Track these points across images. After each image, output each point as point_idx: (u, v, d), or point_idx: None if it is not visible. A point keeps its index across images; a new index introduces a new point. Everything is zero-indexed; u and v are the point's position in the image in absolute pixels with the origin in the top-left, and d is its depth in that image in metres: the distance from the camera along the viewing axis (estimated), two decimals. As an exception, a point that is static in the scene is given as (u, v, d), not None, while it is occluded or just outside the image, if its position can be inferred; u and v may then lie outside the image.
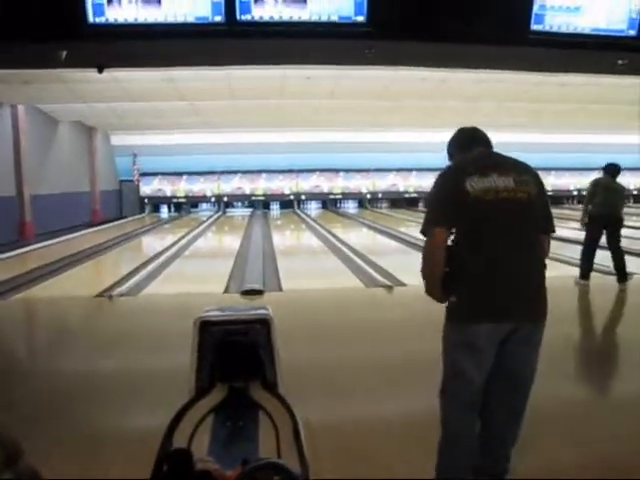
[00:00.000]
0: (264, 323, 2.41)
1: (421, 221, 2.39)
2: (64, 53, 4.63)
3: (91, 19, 4.08)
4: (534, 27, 4.41)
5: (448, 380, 2.38)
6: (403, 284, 7.29)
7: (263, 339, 2.39)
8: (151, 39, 4.24)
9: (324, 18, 4.24)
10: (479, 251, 2.27)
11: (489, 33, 4.48)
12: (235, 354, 2.33)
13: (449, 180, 2.35)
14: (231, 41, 4.51)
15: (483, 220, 2.27)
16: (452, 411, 2.38)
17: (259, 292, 6.77)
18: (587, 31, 4.53)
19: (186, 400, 2.30)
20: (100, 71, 5.42)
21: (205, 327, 2.39)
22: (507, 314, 2.25)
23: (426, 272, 2.34)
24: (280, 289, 7.37)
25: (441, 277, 2.30)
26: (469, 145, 2.49)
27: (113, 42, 4.35)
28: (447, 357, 2.37)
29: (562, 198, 22.47)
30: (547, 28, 4.43)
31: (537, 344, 2.32)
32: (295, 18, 4.18)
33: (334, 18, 4.26)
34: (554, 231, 2.43)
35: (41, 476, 1.20)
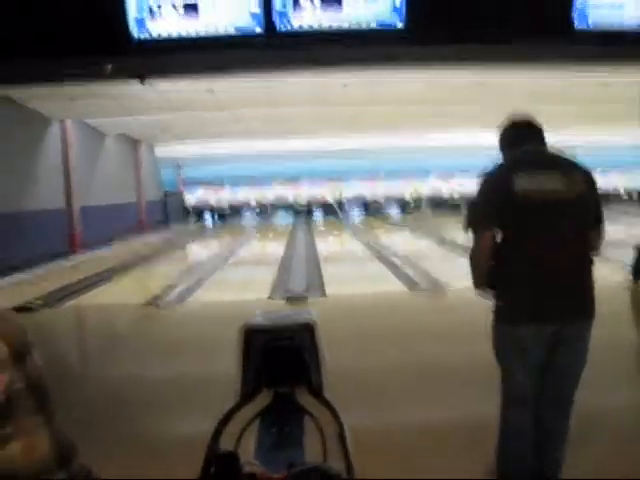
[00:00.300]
0: (309, 328, 2.42)
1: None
2: (109, 67, 4.77)
3: (135, 35, 4.19)
4: (578, 26, 4.34)
5: (502, 380, 2.41)
6: (447, 289, 7.22)
7: (308, 343, 2.40)
8: (191, 51, 4.33)
9: (364, 26, 4.25)
10: (523, 251, 2.29)
11: (530, 31, 4.42)
12: (280, 359, 2.36)
13: (497, 180, 2.34)
14: (268, 52, 4.56)
15: (529, 221, 2.27)
16: (505, 409, 2.41)
17: (303, 298, 6.79)
18: (634, 27, 4.43)
19: (232, 405, 2.34)
20: (142, 81, 5.56)
21: (251, 334, 2.42)
22: (551, 315, 2.27)
23: (473, 267, 2.40)
24: (324, 294, 7.37)
25: (488, 271, 2.35)
26: (521, 141, 2.41)
27: (156, 56, 4.47)
28: (497, 358, 2.41)
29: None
30: (591, 27, 4.35)
31: (584, 342, 2.33)
32: (334, 26, 4.21)
33: (373, 25, 4.28)
34: (603, 221, 2.39)
35: (95, 475, 1.24)
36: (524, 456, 2.38)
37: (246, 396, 2.37)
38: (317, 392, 2.35)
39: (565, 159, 2.38)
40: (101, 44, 4.43)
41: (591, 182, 2.36)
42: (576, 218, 2.29)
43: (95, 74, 5.17)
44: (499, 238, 2.34)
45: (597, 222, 2.38)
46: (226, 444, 2.11)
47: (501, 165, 2.42)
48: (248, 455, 2.07)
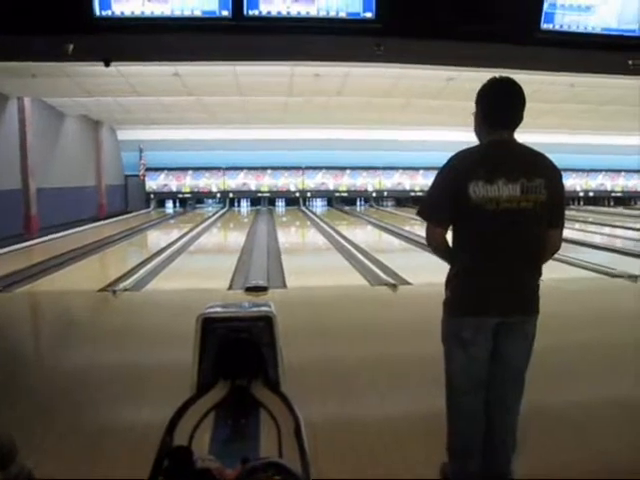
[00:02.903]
0: (267, 320, 2.39)
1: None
2: (70, 46, 4.61)
3: (97, 12, 4.06)
4: (544, 26, 4.37)
5: (446, 368, 2.47)
6: (408, 283, 7.27)
7: (266, 336, 2.37)
8: (157, 33, 4.22)
9: (332, 14, 4.21)
10: (469, 250, 2.34)
11: (498, 32, 4.45)
12: (237, 351, 2.32)
13: (454, 180, 2.29)
14: (238, 37, 4.49)
15: (478, 225, 2.29)
16: (452, 400, 2.46)
17: (263, 289, 6.75)
18: (598, 30, 4.50)
19: (188, 397, 2.29)
20: (107, 65, 5.41)
21: (207, 324, 2.37)
22: (492, 308, 2.32)
23: (432, 250, 2.49)
24: (284, 286, 7.35)
25: (448, 255, 2.43)
26: (496, 126, 2.34)
27: (119, 36, 4.35)
28: (444, 348, 2.47)
29: (568, 200, 22.42)
30: (557, 27, 4.40)
31: (528, 337, 2.38)
32: (303, 14, 4.16)
33: (342, 14, 4.24)
34: (562, 226, 2.40)
35: (34, 476, 1.19)
36: (470, 448, 2.42)
37: (202, 388, 2.33)
38: (274, 385, 2.32)
39: (531, 160, 2.34)
40: (62, 22, 4.28)
41: (555, 184, 2.33)
42: (530, 223, 2.29)
43: (56, 54, 4.99)
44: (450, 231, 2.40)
45: (557, 224, 2.38)
46: (181, 436, 2.07)
47: (461, 158, 2.34)
48: (203, 448, 2.04)
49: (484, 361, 2.37)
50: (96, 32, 4.26)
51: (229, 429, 2.14)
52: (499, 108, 2.34)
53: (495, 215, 2.24)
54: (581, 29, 4.46)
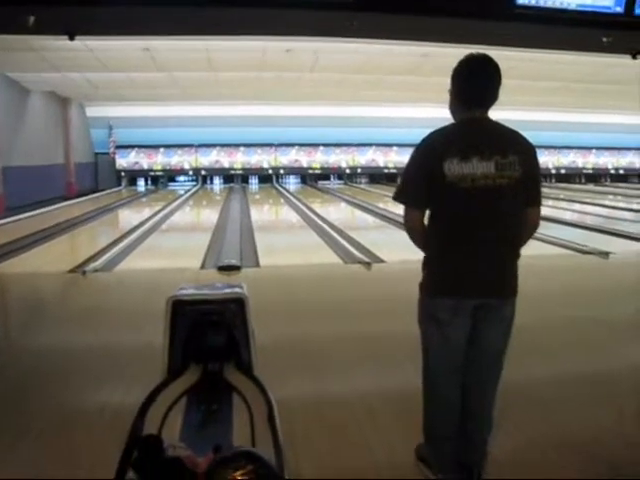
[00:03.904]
0: (239, 302, 2.33)
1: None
2: (32, 18, 4.43)
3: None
4: (520, 1, 4.32)
5: (423, 351, 2.45)
6: (382, 260, 7.26)
7: (238, 319, 2.32)
8: (124, 4, 4.08)
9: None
10: (446, 230, 2.31)
11: (474, 7, 4.39)
12: (209, 335, 2.26)
13: (428, 159, 2.27)
14: (209, 9, 4.36)
15: (454, 205, 2.26)
16: (428, 382, 2.45)
17: (236, 268, 6.68)
18: (573, 7, 4.46)
19: (158, 382, 2.23)
20: (71, 38, 5.22)
21: (178, 306, 2.31)
22: (469, 289, 2.29)
23: (411, 239, 2.43)
24: (258, 266, 7.29)
25: (424, 240, 2.38)
26: (470, 105, 2.31)
27: (84, 6, 4.18)
28: (420, 329, 2.45)
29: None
30: (533, 3, 4.35)
31: (506, 320, 2.36)
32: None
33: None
34: (539, 203, 2.39)
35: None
36: (447, 431, 2.42)
37: (173, 372, 2.27)
38: (247, 369, 2.28)
39: (505, 137, 2.32)
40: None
41: (530, 161, 2.31)
42: (506, 201, 2.26)
43: (16, 26, 4.79)
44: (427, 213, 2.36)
45: (534, 202, 2.37)
46: (151, 422, 2.02)
47: (435, 137, 2.32)
48: (174, 434, 1.99)
49: (461, 343, 2.35)
50: (59, 3, 4.09)
51: (201, 414, 2.09)
52: (474, 86, 2.31)
53: (471, 192, 2.22)
54: (557, 5, 4.42)
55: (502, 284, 2.33)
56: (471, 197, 2.23)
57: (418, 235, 2.38)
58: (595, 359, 4.07)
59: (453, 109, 2.41)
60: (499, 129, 2.33)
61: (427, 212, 2.36)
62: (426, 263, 2.40)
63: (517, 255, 2.37)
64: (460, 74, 2.34)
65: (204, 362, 2.23)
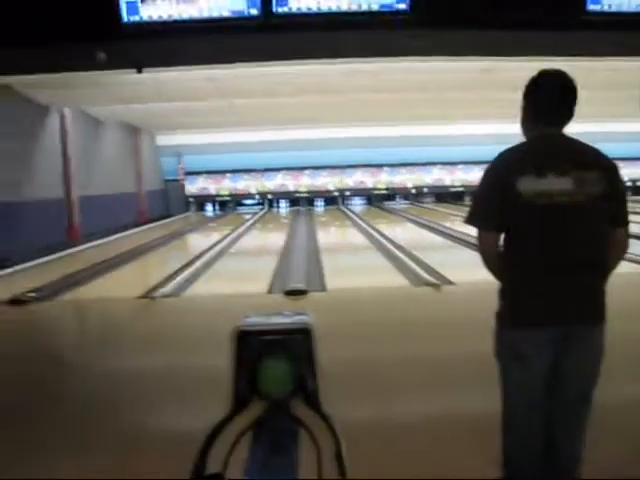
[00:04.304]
0: (305, 332, 2.26)
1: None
2: (103, 55, 4.58)
3: (125, 18, 4.01)
4: (590, 7, 4.13)
5: (502, 385, 2.28)
6: (450, 282, 7.06)
7: (304, 350, 2.24)
8: (186, 36, 4.15)
9: (364, 7, 4.06)
10: (525, 255, 2.15)
11: (541, 17, 4.23)
12: (275, 366, 2.19)
13: (500, 178, 2.14)
14: (267, 35, 4.39)
15: (532, 225, 2.11)
16: (507, 414, 2.29)
17: (303, 292, 6.64)
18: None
19: (224, 415, 2.18)
20: (139, 71, 5.38)
21: (243, 337, 2.26)
22: (550, 318, 2.12)
23: (485, 265, 2.30)
24: (324, 289, 7.22)
25: (499, 267, 2.24)
26: (544, 118, 2.19)
27: (148, 41, 4.29)
28: (497, 362, 2.29)
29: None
30: (605, 8, 4.14)
31: (593, 349, 2.17)
32: (334, 9, 4.01)
33: (374, 7, 4.08)
34: (627, 223, 2.21)
35: None
36: (532, 463, 2.24)
37: (238, 405, 2.21)
38: (314, 403, 2.20)
39: (583, 153, 2.17)
40: (91, 29, 4.25)
41: (612, 178, 2.14)
42: (588, 219, 2.11)
43: (88, 62, 4.97)
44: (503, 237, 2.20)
45: (621, 222, 2.20)
46: (216, 457, 1.97)
47: (508, 155, 2.20)
48: (239, 469, 1.92)
49: (542, 377, 2.17)
50: (125, 38, 4.21)
51: (266, 450, 2.02)
52: (548, 104, 2.18)
53: (549, 210, 2.07)
54: (632, 8, 4.19)
55: (587, 310, 2.15)
56: (549, 216, 2.08)
57: (493, 260, 2.24)
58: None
59: (525, 126, 2.28)
60: (577, 145, 2.19)
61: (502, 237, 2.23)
62: (503, 291, 2.24)
63: (604, 279, 2.19)
64: (533, 91, 2.22)
65: (270, 395, 2.17)
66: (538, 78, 2.21)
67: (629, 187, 22.27)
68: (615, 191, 2.16)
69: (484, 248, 2.23)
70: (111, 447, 3.09)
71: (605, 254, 2.17)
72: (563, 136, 2.20)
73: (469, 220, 2.25)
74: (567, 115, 2.19)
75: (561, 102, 2.18)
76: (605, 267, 2.19)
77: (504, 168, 2.17)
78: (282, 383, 2.16)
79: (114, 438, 3.21)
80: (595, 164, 2.14)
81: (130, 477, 2.72)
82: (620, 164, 2.30)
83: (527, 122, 2.27)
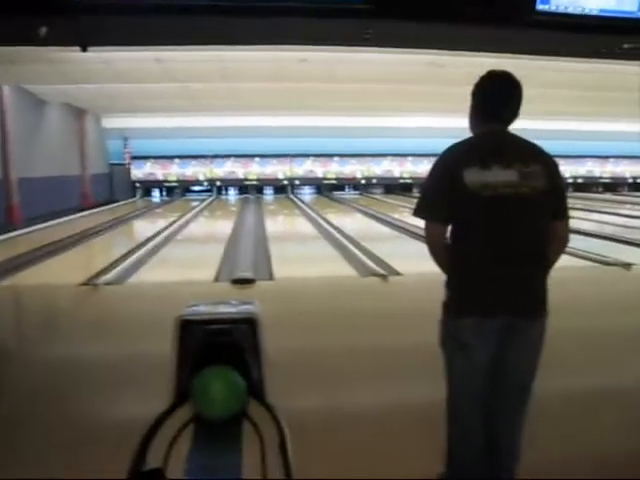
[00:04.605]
0: (250, 322, 2.23)
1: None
2: (44, 29, 4.39)
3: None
4: (539, 7, 4.20)
5: (446, 374, 2.33)
6: (398, 273, 7.13)
7: (249, 340, 2.21)
8: (133, 14, 4.02)
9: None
10: (470, 246, 2.20)
11: (491, 14, 4.27)
12: (218, 357, 2.16)
13: (448, 170, 2.20)
14: (221, 19, 4.30)
15: (477, 216, 2.17)
16: (451, 404, 2.32)
17: (250, 281, 6.58)
18: (595, 12, 4.33)
19: (166, 405, 2.13)
20: (84, 50, 5.18)
21: (187, 326, 2.21)
22: (493, 308, 2.17)
23: (431, 256, 2.34)
24: (271, 277, 7.19)
25: (446, 258, 2.28)
26: (491, 115, 2.28)
27: (94, 17, 4.13)
28: (442, 351, 2.33)
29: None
30: (553, 8, 4.23)
31: (535, 342, 2.23)
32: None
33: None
34: (567, 217, 2.30)
35: None
36: (475, 454, 2.28)
37: (181, 395, 2.16)
38: (258, 394, 2.17)
39: (525, 147, 2.28)
40: (35, 3, 4.06)
41: (553, 172, 2.25)
42: (531, 213, 2.18)
43: (28, 37, 4.74)
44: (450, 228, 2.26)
45: (561, 216, 2.28)
46: (157, 449, 1.92)
47: (455, 148, 2.27)
48: (180, 462, 1.88)
49: (485, 367, 2.22)
50: (72, 13, 4.04)
51: (209, 442, 1.98)
52: (495, 104, 2.27)
53: (494, 202, 2.13)
54: (578, 11, 4.29)
55: (530, 303, 2.21)
56: (494, 207, 2.14)
57: (439, 251, 2.28)
58: (623, 373, 3.92)
59: (473, 123, 2.36)
60: (521, 141, 2.28)
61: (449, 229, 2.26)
62: (449, 282, 2.29)
63: (546, 272, 2.26)
64: (480, 91, 2.31)
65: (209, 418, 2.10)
66: (486, 78, 2.29)
67: (605, 183, 23.18)
68: (556, 186, 2.25)
69: (431, 239, 2.28)
70: (60, 439, 2.99)
71: (547, 247, 2.24)
72: (508, 133, 2.29)
73: (417, 212, 2.30)
74: (512, 114, 2.28)
75: (507, 101, 2.26)
76: (547, 260, 2.25)
77: (452, 161, 2.23)
78: (223, 408, 2.05)
79: (62, 430, 3.10)
80: (538, 159, 2.23)
81: (80, 468, 2.63)
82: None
83: (475, 118, 2.35)
